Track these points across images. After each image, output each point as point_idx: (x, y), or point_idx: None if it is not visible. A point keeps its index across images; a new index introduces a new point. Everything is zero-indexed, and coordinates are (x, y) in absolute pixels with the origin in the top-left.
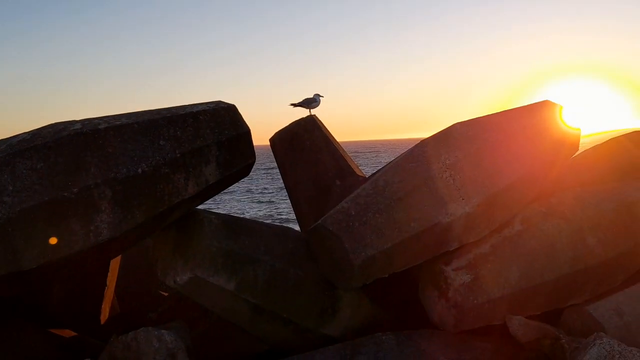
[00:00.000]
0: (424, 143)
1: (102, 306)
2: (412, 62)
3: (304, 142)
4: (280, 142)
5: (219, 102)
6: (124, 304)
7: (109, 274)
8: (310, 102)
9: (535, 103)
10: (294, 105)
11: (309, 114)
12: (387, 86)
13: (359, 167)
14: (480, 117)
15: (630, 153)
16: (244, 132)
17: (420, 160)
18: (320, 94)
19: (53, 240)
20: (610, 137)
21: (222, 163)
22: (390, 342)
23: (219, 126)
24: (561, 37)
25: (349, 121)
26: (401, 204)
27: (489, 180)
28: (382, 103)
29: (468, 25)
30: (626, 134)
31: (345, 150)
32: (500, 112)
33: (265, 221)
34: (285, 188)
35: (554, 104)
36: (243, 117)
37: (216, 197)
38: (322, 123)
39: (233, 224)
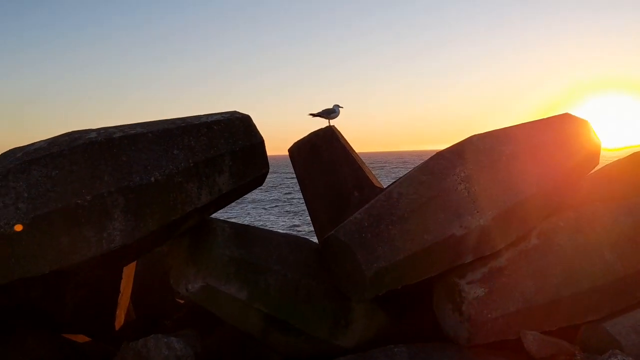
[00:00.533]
0: (439, 155)
1: (117, 312)
2: (441, 72)
3: (322, 152)
4: (299, 152)
5: (234, 113)
6: (140, 311)
7: (123, 281)
8: (330, 113)
9: (555, 116)
10: (313, 115)
11: (327, 125)
12: (414, 96)
13: (378, 179)
14: (497, 130)
15: None
16: (258, 143)
17: (435, 173)
18: (340, 105)
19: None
20: (633, 152)
21: (236, 173)
22: (402, 355)
23: (233, 136)
24: (599, 51)
25: (371, 131)
26: (415, 216)
27: (504, 193)
28: (407, 113)
29: (500, 37)
30: None
31: (367, 161)
32: (519, 124)
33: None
34: (304, 198)
35: (575, 117)
36: (259, 127)
37: (236, 205)
38: (340, 134)
39: (246, 233)
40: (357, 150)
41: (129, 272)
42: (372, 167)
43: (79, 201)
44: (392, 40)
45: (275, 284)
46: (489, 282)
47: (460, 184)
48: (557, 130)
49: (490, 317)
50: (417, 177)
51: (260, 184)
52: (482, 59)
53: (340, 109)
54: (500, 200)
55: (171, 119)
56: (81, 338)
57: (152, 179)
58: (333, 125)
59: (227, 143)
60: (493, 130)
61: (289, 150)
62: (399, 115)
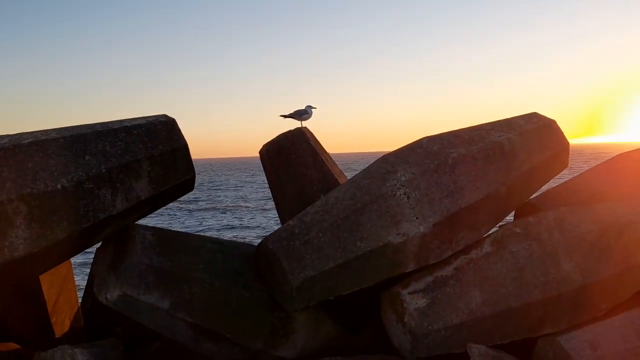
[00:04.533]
0: (383, 158)
1: (53, 320)
2: (438, 72)
3: (290, 155)
4: (267, 154)
5: (160, 116)
6: (93, 318)
7: (54, 288)
8: (302, 114)
9: (521, 115)
10: (284, 116)
11: (298, 126)
12: (403, 95)
13: None
14: (452, 131)
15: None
16: (180, 147)
17: (376, 177)
18: (313, 106)
19: None
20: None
21: (155, 178)
22: None
23: (153, 141)
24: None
25: (359, 132)
26: (347, 223)
27: (448, 198)
28: (394, 113)
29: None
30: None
31: (350, 162)
32: (478, 125)
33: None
34: (274, 202)
35: (541, 116)
36: (253, 129)
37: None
38: (312, 135)
39: (170, 241)
40: (339, 152)
41: (62, 279)
42: (354, 169)
43: None
44: (394, 38)
45: (202, 293)
46: (431, 292)
47: (400, 188)
48: (520, 130)
49: (432, 329)
50: (356, 182)
51: (190, 189)
52: (476, 59)
53: (313, 109)
54: (443, 206)
55: (92, 124)
56: (11, 345)
57: (59, 185)
58: (305, 127)
59: (146, 148)
60: (447, 132)
61: (259, 152)
62: (385, 115)
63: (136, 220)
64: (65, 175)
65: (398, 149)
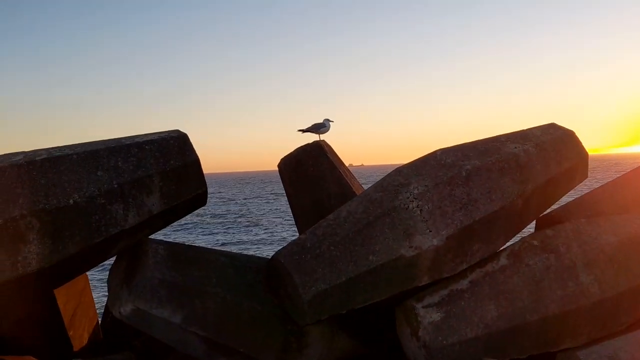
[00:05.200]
0: (397, 171)
1: (70, 333)
2: (452, 80)
3: (308, 168)
4: (285, 168)
5: (172, 132)
6: (113, 332)
7: (71, 302)
8: (319, 127)
9: (539, 126)
10: (302, 131)
11: (316, 139)
12: (419, 108)
13: None
14: (466, 143)
15: None
16: (192, 162)
17: (389, 189)
18: (331, 119)
19: None
20: None
21: (167, 193)
22: None
23: (165, 156)
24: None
25: (379, 145)
26: (360, 236)
27: (461, 211)
28: (413, 125)
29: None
30: None
31: (369, 175)
32: (494, 136)
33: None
34: (292, 215)
35: (560, 127)
36: (264, 143)
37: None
38: (330, 148)
39: (183, 255)
40: (359, 164)
41: (79, 293)
42: (374, 182)
43: None
44: (416, 49)
45: (215, 307)
46: (446, 306)
47: (413, 201)
48: (537, 141)
49: (446, 343)
50: (369, 195)
51: (203, 204)
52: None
53: (331, 123)
54: (457, 219)
55: (104, 140)
56: (28, 359)
57: (71, 201)
58: (323, 140)
59: (158, 163)
60: (462, 144)
61: (278, 165)
62: (406, 127)
63: (149, 235)
64: (78, 190)
65: (412, 162)
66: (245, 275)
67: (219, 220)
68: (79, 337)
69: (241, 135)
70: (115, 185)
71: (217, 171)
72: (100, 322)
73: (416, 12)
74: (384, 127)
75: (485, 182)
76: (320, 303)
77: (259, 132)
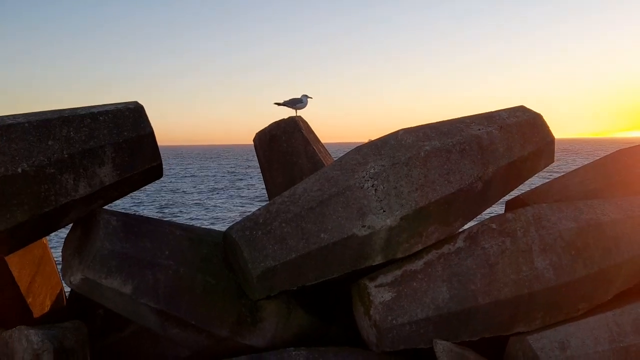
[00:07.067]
0: (357, 149)
1: (29, 300)
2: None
3: (281, 144)
4: (260, 143)
5: (129, 103)
6: (78, 300)
7: (27, 269)
8: (296, 103)
9: (506, 109)
10: (278, 104)
11: (292, 115)
12: (411, 85)
13: None
14: (432, 123)
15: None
16: (146, 134)
17: (346, 168)
18: (309, 95)
19: None
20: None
21: (120, 165)
22: (299, 359)
23: (118, 127)
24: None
25: (359, 122)
26: (312, 214)
27: (417, 192)
28: (400, 102)
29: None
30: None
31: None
32: (460, 117)
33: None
34: (266, 190)
35: (528, 109)
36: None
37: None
38: (306, 124)
39: (136, 227)
40: (342, 142)
41: (37, 260)
42: None
43: None
44: (394, 28)
45: (166, 279)
46: (398, 286)
47: (369, 180)
48: (501, 123)
49: (396, 323)
50: (327, 172)
51: (160, 176)
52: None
53: (309, 99)
54: (412, 199)
55: (61, 110)
56: None
57: (19, 169)
58: (299, 116)
59: (111, 134)
60: (425, 124)
61: (253, 140)
62: (384, 105)
63: (103, 205)
64: (27, 159)
65: (373, 140)
66: (201, 249)
67: (180, 194)
68: (40, 304)
69: (220, 108)
70: (66, 155)
71: (199, 144)
72: (67, 291)
73: None
74: (361, 105)
75: (444, 163)
76: (270, 279)
77: (243, 104)
